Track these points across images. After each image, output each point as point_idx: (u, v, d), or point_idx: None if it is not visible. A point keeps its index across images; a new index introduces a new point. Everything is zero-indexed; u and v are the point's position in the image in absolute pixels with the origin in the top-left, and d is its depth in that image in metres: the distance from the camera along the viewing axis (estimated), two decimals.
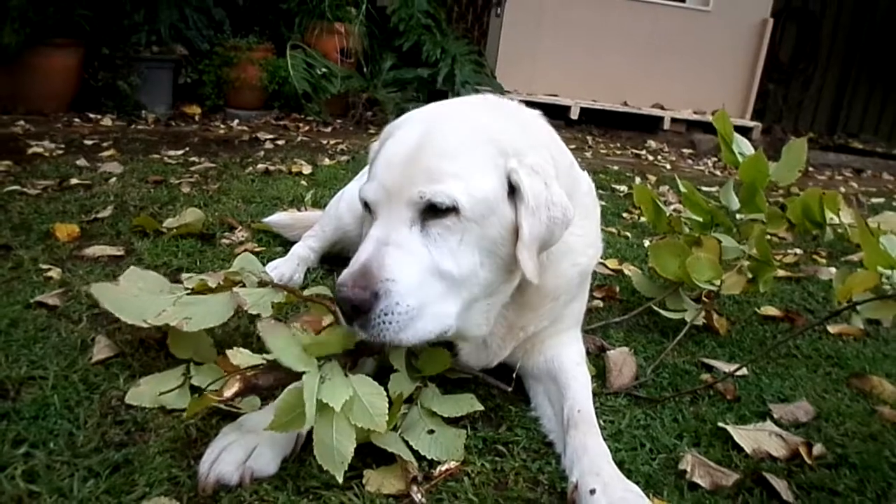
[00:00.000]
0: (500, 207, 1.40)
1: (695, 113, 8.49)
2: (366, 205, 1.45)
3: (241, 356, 1.40)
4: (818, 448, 1.58)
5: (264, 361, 1.40)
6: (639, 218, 3.83)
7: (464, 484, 1.35)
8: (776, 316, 2.53)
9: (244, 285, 1.68)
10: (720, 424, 1.65)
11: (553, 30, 8.21)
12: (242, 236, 2.80)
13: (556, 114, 7.32)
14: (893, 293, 1.74)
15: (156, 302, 1.63)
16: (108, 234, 2.67)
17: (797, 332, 2.38)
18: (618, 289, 2.62)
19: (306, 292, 1.68)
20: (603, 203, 1.89)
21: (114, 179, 3.53)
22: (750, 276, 2.26)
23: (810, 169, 7.35)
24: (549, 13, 8.17)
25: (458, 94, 6.05)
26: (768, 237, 2.35)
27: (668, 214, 2.48)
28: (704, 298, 2.34)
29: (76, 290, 2.05)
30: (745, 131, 7.51)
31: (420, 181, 1.35)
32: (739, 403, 1.81)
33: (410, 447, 1.39)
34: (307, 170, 4.25)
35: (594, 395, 1.63)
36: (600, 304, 2.47)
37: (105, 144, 4.49)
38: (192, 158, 4.32)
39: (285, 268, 2.36)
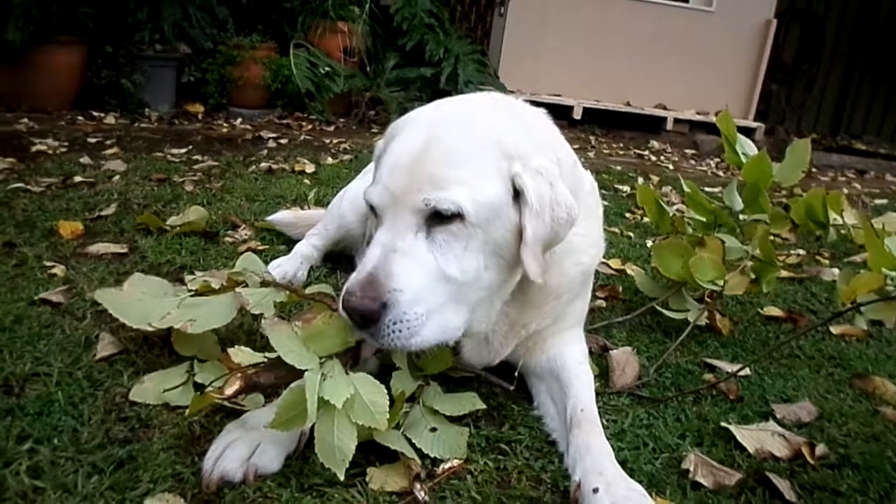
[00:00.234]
0: (505, 211, 1.40)
1: (698, 113, 8.48)
2: (371, 208, 1.45)
3: (242, 354, 1.41)
4: (821, 448, 1.58)
5: (266, 360, 1.40)
6: (642, 218, 3.83)
7: (467, 482, 1.35)
8: (779, 316, 2.53)
9: (247, 285, 1.69)
10: (723, 424, 1.65)
11: (556, 29, 8.20)
12: (246, 234, 2.80)
13: (558, 114, 7.28)
14: None
15: (160, 305, 1.64)
16: (111, 231, 2.67)
17: (800, 332, 2.38)
18: (621, 289, 2.62)
19: (308, 290, 1.69)
20: (606, 203, 1.89)
21: (117, 177, 3.53)
22: (753, 276, 2.26)
23: (813, 170, 7.34)
24: (552, 13, 8.16)
25: (461, 94, 6.04)
26: (771, 238, 2.35)
27: (671, 215, 2.48)
28: (707, 299, 2.34)
29: (80, 287, 2.06)
30: (748, 132, 7.48)
31: (425, 188, 1.35)
32: (742, 403, 1.81)
33: (413, 445, 1.40)
34: (310, 169, 4.26)
35: (597, 394, 1.63)
36: (603, 303, 2.47)
37: (108, 142, 4.49)
38: (196, 157, 4.32)
39: (288, 266, 2.36)
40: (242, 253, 2.22)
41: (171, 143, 4.70)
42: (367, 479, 1.31)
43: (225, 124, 5.95)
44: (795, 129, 9.68)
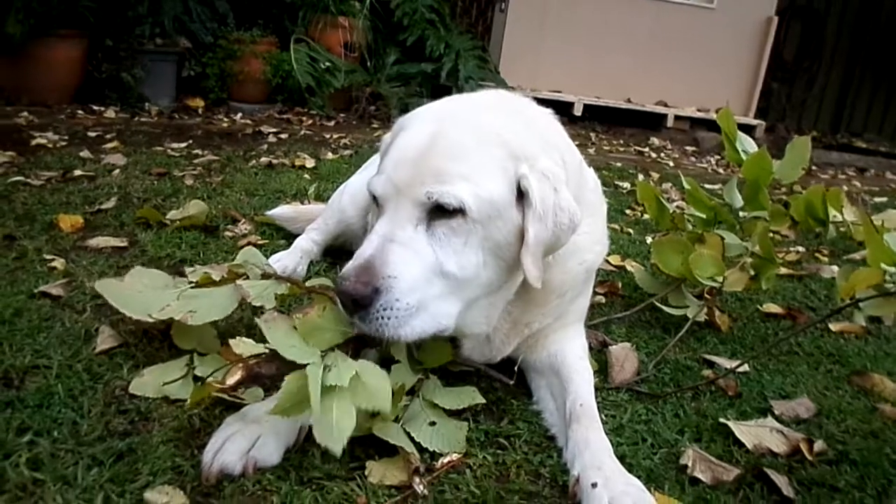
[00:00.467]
0: (508, 211, 1.41)
1: (698, 110, 8.47)
2: (374, 198, 1.46)
3: (243, 345, 1.41)
4: (819, 444, 1.58)
5: (266, 350, 1.40)
6: (642, 215, 3.83)
7: (465, 476, 1.36)
8: (778, 313, 2.53)
9: (247, 278, 1.69)
10: (721, 420, 1.65)
11: (557, 26, 8.19)
12: (246, 229, 2.80)
13: (559, 110, 7.19)
14: None
15: (160, 297, 1.64)
16: (111, 225, 2.67)
17: (799, 329, 2.38)
18: (620, 285, 2.63)
19: (308, 284, 1.69)
20: (606, 200, 1.90)
21: (117, 171, 3.53)
22: (752, 273, 2.27)
23: (813, 168, 7.34)
24: (552, 9, 8.15)
25: (461, 90, 6.05)
26: (771, 235, 2.35)
27: (671, 211, 2.49)
28: (706, 295, 2.34)
29: (80, 280, 2.06)
30: (748, 129, 7.49)
31: (428, 181, 1.35)
32: (741, 399, 1.81)
33: (412, 439, 1.40)
34: (310, 163, 4.25)
35: (596, 389, 1.63)
36: (603, 299, 2.47)
37: (108, 136, 4.48)
38: (196, 151, 4.32)
39: (288, 260, 2.36)
40: (242, 247, 2.22)
41: (171, 138, 4.69)
42: (366, 472, 1.31)
43: (225, 119, 5.94)
44: (796, 127, 9.67)
